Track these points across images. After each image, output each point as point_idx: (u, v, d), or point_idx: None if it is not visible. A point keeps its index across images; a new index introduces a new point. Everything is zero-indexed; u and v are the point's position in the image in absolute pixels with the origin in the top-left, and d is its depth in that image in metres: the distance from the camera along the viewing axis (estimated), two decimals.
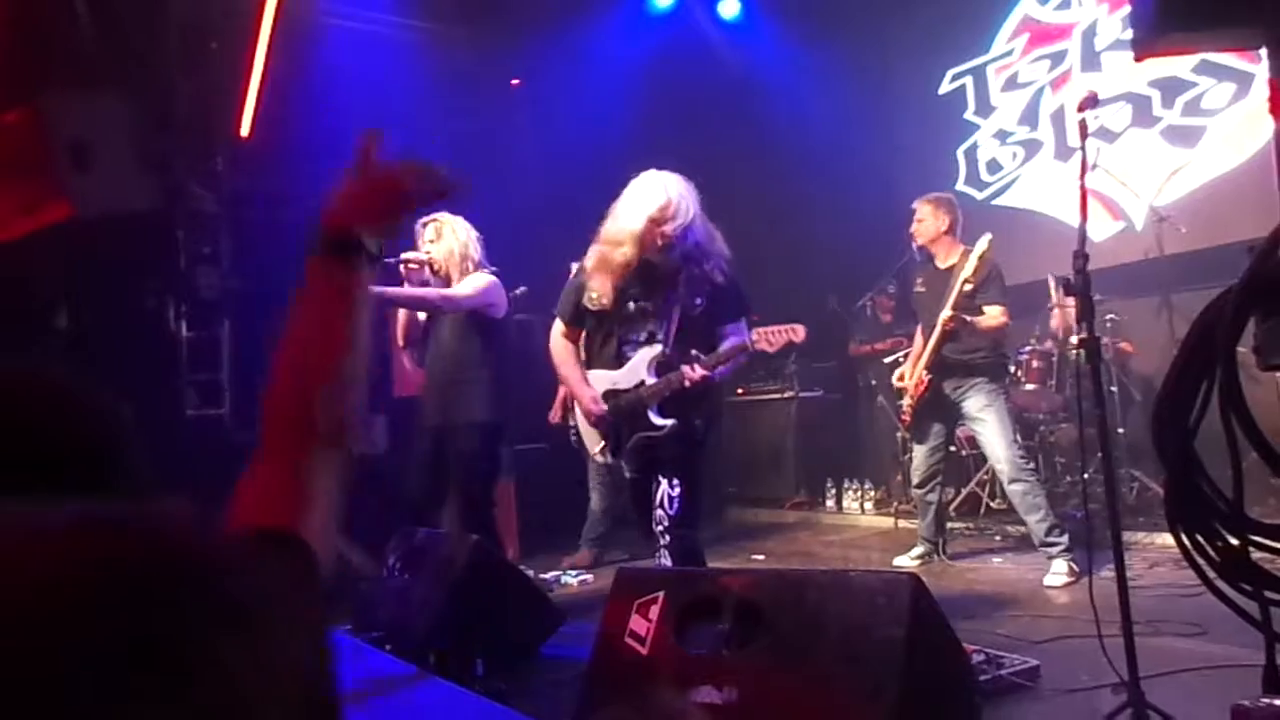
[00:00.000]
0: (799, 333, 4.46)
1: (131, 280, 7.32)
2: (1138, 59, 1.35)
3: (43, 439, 0.82)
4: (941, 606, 2.68)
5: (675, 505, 3.93)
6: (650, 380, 3.93)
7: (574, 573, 6.19)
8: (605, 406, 3.99)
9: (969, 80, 8.54)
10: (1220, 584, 1.72)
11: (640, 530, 4.24)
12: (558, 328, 4.20)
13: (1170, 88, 7.09)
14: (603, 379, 4.04)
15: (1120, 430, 6.30)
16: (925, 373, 5.59)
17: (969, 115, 8.53)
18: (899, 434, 7.71)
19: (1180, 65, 6.93)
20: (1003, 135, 8.30)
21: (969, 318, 5.38)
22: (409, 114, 7.82)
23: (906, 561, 5.82)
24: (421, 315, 5.12)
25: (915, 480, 5.88)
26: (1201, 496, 1.69)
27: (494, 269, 5.04)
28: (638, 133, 8.65)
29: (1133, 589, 2.95)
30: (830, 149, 8.48)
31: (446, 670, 3.66)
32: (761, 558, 6.57)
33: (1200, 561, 1.71)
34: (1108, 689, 3.09)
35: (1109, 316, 6.49)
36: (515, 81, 9.21)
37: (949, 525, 6.27)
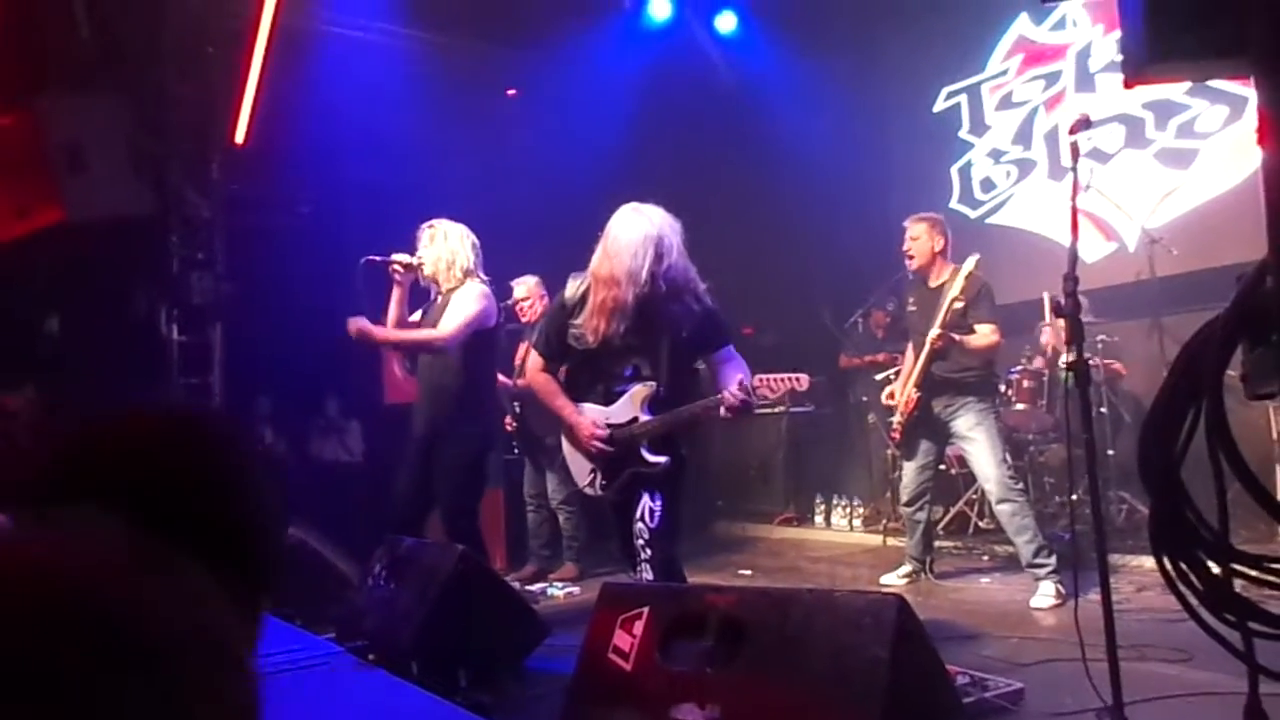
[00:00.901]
0: (802, 382, 4.44)
1: (123, 284, 7.31)
2: (1127, 86, 1.35)
3: (176, 490, 0.80)
4: (927, 626, 2.67)
5: (656, 519, 3.92)
6: (644, 417, 3.92)
7: (560, 585, 6.18)
8: (608, 433, 3.96)
9: (964, 99, 8.57)
10: (1204, 613, 1.71)
11: (619, 548, 4.25)
12: (536, 362, 4.16)
13: (1164, 110, 7.12)
14: (595, 414, 4.01)
15: (1110, 452, 6.31)
16: (915, 390, 5.59)
17: (963, 134, 8.56)
18: (889, 451, 7.71)
19: (1174, 88, 6.95)
20: (997, 154, 8.33)
21: (958, 336, 5.38)
22: (404, 123, 7.84)
23: (894, 580, 5.81)
24: (415, 317, 5.12)
25: (904, 498, 5.88)
26: (1186, 524, 1.68)
27: (486, 278, 5.04)
28: (633, 145, 8.67)
29: (1119, 613, 2.95)
30: (825, 165, 8.50)
31: (429, 681, 3.64)
32: (749, 573, 6.56)
33: (1184, 590, 1.70)
34: (1091, 714, 3.08)
35: (1100, 337, 6.50)
36: (511, 92, 9.22)
37: (937, 544, 6.26)
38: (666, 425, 3.92)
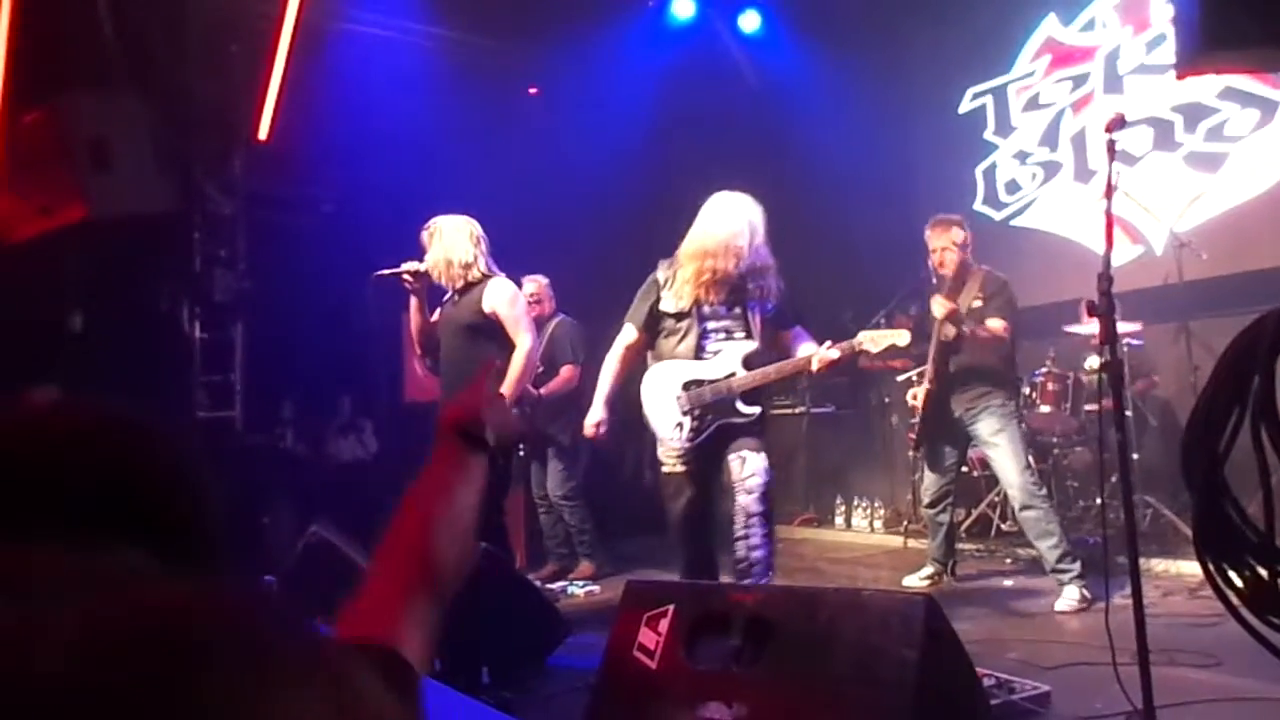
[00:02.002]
0: (904, 337, 4.65)
1: (146, 282, 7.33)
2: (1179, 77, 1.32)
3: (119, 487, 0.77)
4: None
5: (767, 473, 4.38)
6: (742, 372, 4.36)
7: (581, 583, 6.17)
8: (603, 430, 4.66)
9: (989, 100, 8.50)
10: (1247, 615, 1.68)
11: (685, 527, 4.55)
12: (629, 333, 4.64)
13: (1193, 113, 7.05)
14: (685, 369, 4.43)
15: (1135, 456, 6.24)
16: (929, 383, 5.55)
17: (989, 135, 8.50)
18: (910, 452, 7.66)
19: (1204, 90, 6.89)
20: (1022, 156, 8.26)
21: (967, 328, 5.34)
22: (426, 121, 7.84)
23: (915, 581, 5.77)
24: (434, 316, 5.10)
25: (926, 500, 5.84)
26: (1230, 525, 1.65)
27: (497, 270, 5.00)
28: (654, 144, 8.65)
29: (1147, 617, 2.91)
30: (848, 164, 8.45)
31: (452, 679, 3.63)
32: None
33: (1227, 592, 1.67)
34: (1121, 717, 3.04)
35: (1127, 341, 6.44)
36: (533, 90, 9.22)
37: (959, 546, 6.21)
38: (766, 377, 4.39)
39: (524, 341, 4.88)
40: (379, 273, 4.88)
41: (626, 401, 6.85)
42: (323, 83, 7.51)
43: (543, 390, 6.28)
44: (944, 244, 5.56)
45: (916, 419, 5.78)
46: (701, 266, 4.40)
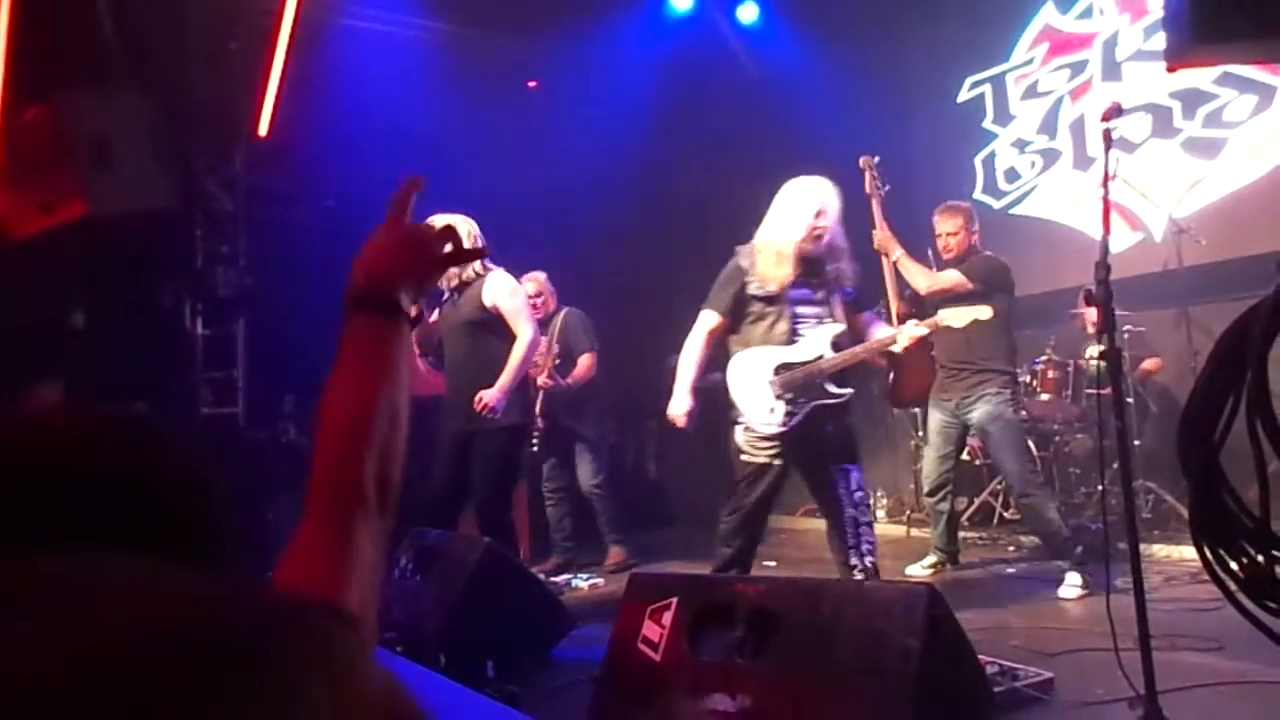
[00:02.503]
0: (986, 312, 4.75)
1: (148, 279, 7.34)
2: (1170, 70, 1.33)
3: (128, 490, 0.74)
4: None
5: (863, 492, 4.52)
6: (830, 354, 4.42)
7: (584, 576, 6.19)
8: (690, 418, 4.73)
9: (988, 88, 8.50)
10: (1244, 601, 1.69)
11: (750, 516, 4.60)
12: (710, 319, 4.66)
13: (1191, 99, 7.05)
14: (774, 354, 4.48)
15: (1136, 442, 6.26)
16: (899, 304, 5.56)
17: (987, 123, 8.50)
18: (913, 442, 7.68)
19: (1202, 77, 6.89)
20: (1021, 144, 8.26)
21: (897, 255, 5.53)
22: (426, 115, 7.84)
23: (918, 570, 5.79)
24: (433, 317, 5.12)
25: (926, 488, 5.86)
26: (1227, 511, 1.67)
27: (495, 267, 5.02)
28: (654, 135, 8.65)
29: (1148, 603, 2.93)
30: (847, 154, 8.43)
31: (456, 672, 3.65)
32: (774, 564, 6.54)
33: (1224, 577, 1.69)
34: (1124, 703, 3.06)
35: (1126, 328, 6.45)
36: (533, 83, 9.21)
37: (961, 535, 6.23)
38: (855, 357, 4.48)
39: (525, 331, 4.92)
40: None
41: (624, 398, 6.88)
42: (323, 78, 7.52)
43: (569, 380, 6.32)
44: (950, 229, 5.60)
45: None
46: (782, 249, 4.47)
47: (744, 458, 4.58)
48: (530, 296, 6.30)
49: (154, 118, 6.98)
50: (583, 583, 6.06)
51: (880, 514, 7.93)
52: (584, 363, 6.46)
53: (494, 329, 4.91)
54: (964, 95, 8.65)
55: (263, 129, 7.34)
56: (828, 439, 4.47)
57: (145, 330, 7.21)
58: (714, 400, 9.20)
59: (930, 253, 6.51)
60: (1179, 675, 3.32)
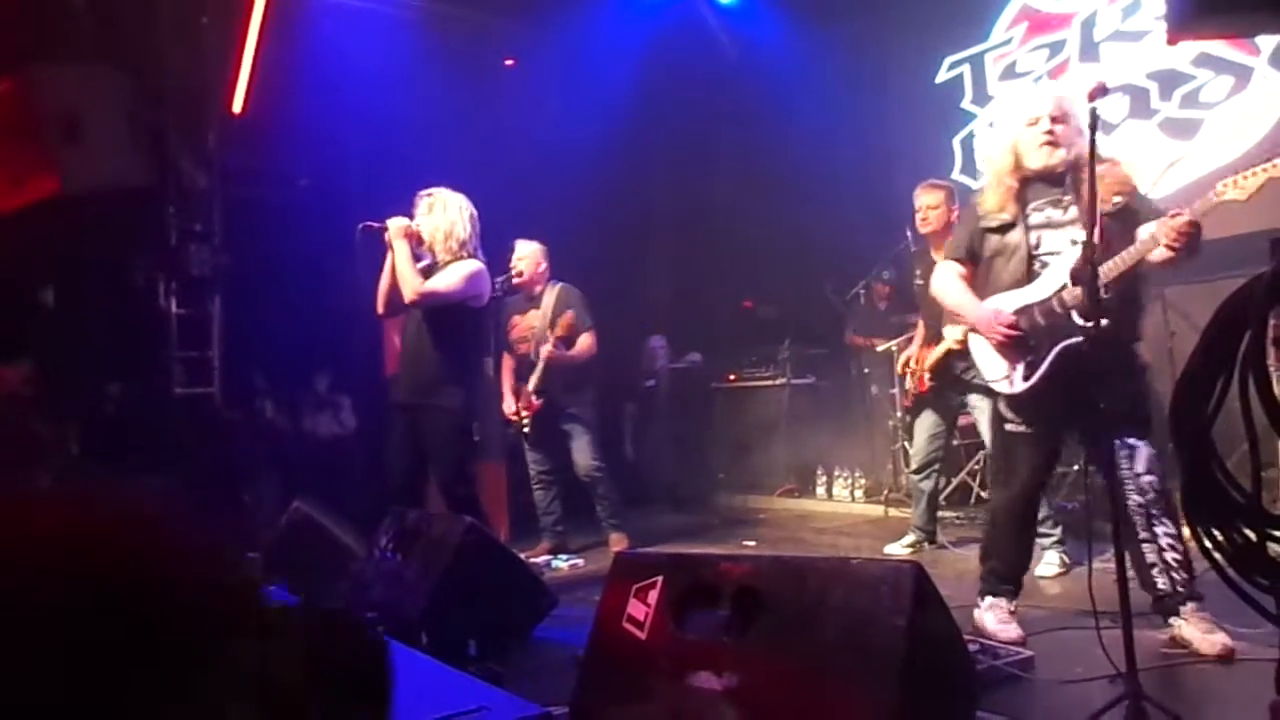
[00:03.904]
0: (1278, 166, 3.81)
1: (121, 257, 7.26)
2: (1170, 42, 1.32)
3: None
4: None
5: (1159, 461, 3.56)
6: (1070, 285, 3.60)
7: (564, 557, 6.17)
8: (1012, 318, 3.70)
9: (966, 69, 8.51)
10: (1235, 576, 1.70)
11: (1018, 503, 3.92)
12: (953, 269, 3.99)
13: (1168, 80, 7.08)
14: (1011, 299, 3.75)
15: None
16: (928, 375, 5.55)
17: (966, 104, 8.51)
18: (891, 423, 7.70)
19: (1179, 57, 6.92)
20: None
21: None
22: (402, 92, 7.78)
23: (898, 550, 5.82)
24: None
25: (913, 465, 5.87)
26: (1218, 488, 1.67)
27: (483, 256, 5.01)
28: (632, 115, 8.62)
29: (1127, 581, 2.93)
30: (826, 135, 8.45)
31: (439, 651, 3.63)
32: (753, 544, 6.56)
33: (1215, 554, 1.69)
34: (1104, 680, 3.08)
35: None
36: (509, 61, 9.15)
37: (939, 514, 6.26)
38: (1107, 275, 3.43)
39: (436, 281, 4.84)
40: (366, 224, 4.85)
41: (602, 379, 6.80)
42: (297, 55, 7.44)
43: (571, 354, 6.16)
44: (931, 202, 5.62)
45: (908, 383, 5.80)
46: (999, 170, 3.82)
47: (1007, 428, 3.88)
48: (518, 261, 6.24)
49: (126, 93, 6.89)
50: (563, 563, 6.05)
51: (858, 494, 7.96)
52: (584, 341, 6.25)
53: (455, 310, 4.88)
54: (942, 75, 8.65)
55: (237, 106, 7.26)
56: (1102, 394, 3.28)
57: (118, 309, 7.13)
58: (689, 380, 9.24)
59: (909, 231, 6.53)
60: (1158, 653, 3.35)
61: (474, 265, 4.90)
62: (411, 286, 4.78)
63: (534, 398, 6.16)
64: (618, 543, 6.29)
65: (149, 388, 7.14)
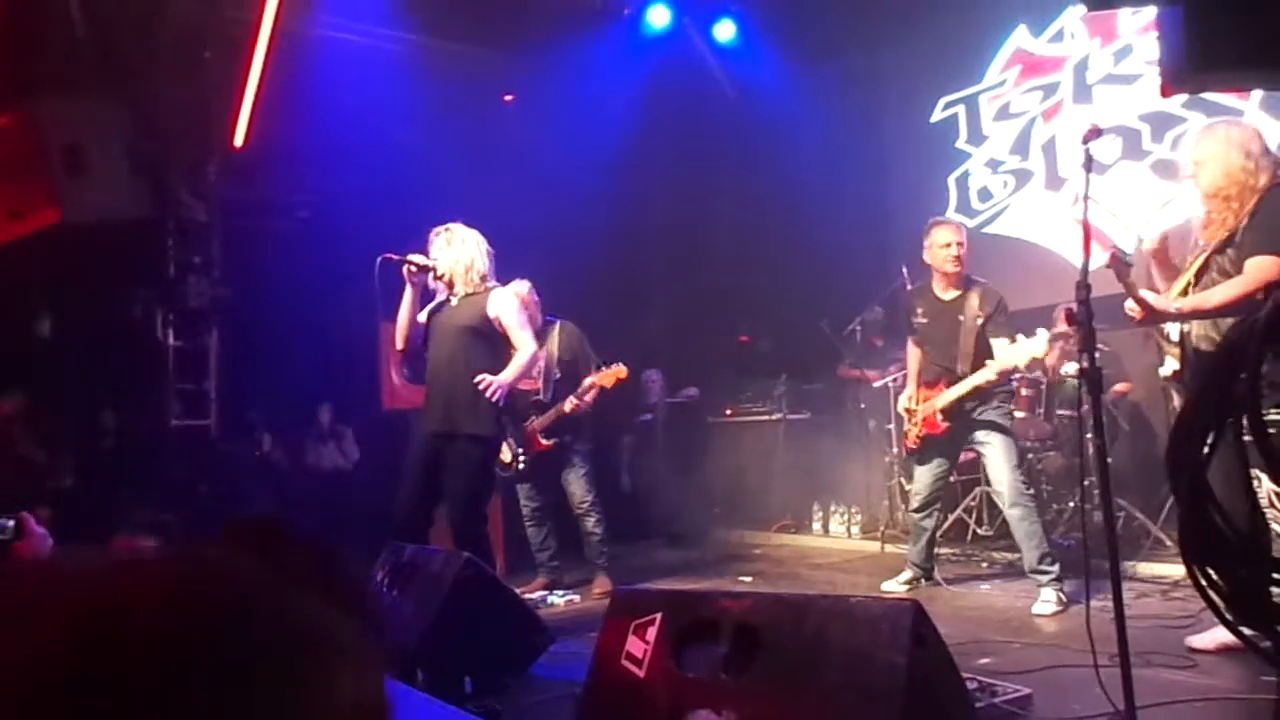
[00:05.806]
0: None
1: (119, 288, 7.29)
2: (1165, 94, 1.35)
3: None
4: None
5: None
6: None
7: (561, 592, 6.14)
8: None
9: (961, 109, 8.59)
10: (1234, 620, 1.71)
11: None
12: None
13: (1160, 122, 7.16)
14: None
15: (1108, 460, 6.31)
16: (941, 417, 5.54)
17: (961, 144, 8.59)
18: (888, 459, 7.71)
19: (1170, 101, 6.99)
20: (994, 164, 8.36)
21: (997, 375, 5.32)
22: (402, 128, 7.83)
23: (894, 586, 5.81)
24: (421, 318, 5.10)
25: (914, 504, 5.85)
26: (1215, 531, 1.68)
27: (495, 284, 5.07)
28: (631, 152, 8.68)
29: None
30: (822, 174, 8.52)
31: (435, 689, 3.63)
32: (749, 579, 6.55)
33: (1214, 597, 1.71)
34: (1103, 718, 3.08)
35: (1098, 348, 6.50)
36: (508, 97, 9.23)
37: (935, 551, 6.25)
38: None
39: (527, 344, 5.02)
40: (386, 255, 4.88)
41: (599, 413, 6.80)
42: (297, 89, 7.49)
43: (584, 400, 6.05)
44: (960, 238, 5.55)
45: (908, 424, 5.80)
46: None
47: None
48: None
49: (127, 126, 6.94)
50: (559, 599, 6.03)
51: (855, 530, 7.96)
52: (590, 382, 6.12)
53: (489, 339, 4.93)
54: (937, 115, 8.73)
55: (238, 139, 7.30)
56: None
57: (115, 340, 7.15)
58: (685, 415, 9.24)
59: (904, 269, 6.57)
60: (1155, 692, 3.35)
61: (511, 300, 5.11)
62: (530, 362, 5.12)
63: (542, 438, 6.13)
64: (601, 584, 6.17)
65: (145, 419, 7.15)
